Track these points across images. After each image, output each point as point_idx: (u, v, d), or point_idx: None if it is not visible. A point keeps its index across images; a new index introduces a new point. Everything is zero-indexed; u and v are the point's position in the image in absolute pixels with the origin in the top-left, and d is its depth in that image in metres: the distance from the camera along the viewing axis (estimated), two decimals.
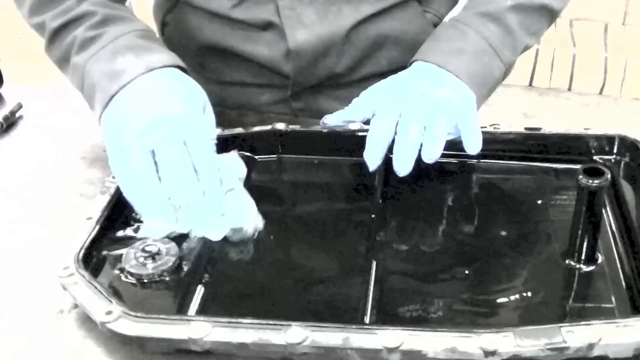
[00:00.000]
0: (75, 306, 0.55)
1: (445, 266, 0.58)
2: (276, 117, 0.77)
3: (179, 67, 0.68)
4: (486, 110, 0.76)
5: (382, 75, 0.77)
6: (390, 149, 0.65)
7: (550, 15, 0.77)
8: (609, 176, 0.54)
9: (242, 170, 0.66)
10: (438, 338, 0.47)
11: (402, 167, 0.63)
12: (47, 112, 0.83)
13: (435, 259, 0.59)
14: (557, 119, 2.28)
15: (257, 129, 0.72)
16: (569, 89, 2.42)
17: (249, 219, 0.61)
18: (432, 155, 0.63)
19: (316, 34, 0.78)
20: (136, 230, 0.61)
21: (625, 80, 2.35)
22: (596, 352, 0.46)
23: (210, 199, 0.59)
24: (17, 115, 0.82)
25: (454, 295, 0.54)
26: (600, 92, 2.39)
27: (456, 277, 0.57)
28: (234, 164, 0.66)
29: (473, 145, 0.65)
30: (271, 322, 0.48)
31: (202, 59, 0.84)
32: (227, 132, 0.72)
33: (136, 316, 0.50)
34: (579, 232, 0.56)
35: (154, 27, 0.92)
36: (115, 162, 0.61)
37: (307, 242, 0.63)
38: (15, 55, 2.72)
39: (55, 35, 0.70)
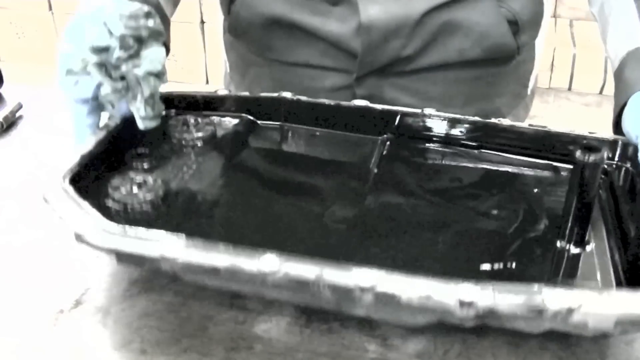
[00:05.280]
0: (75, 305, 0.55)
1: (429, 236, 0.58)
2: None
3: None
4: None
5: (450, 66, 0.75)
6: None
7: None
8: (605, 154, 0.55)
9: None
10: (414, 283, 0.45)
11: None
12: (47, 112, 0.83)
13: (421, 229, 0.59)
14: (557, 119, 2.28)
15: (263, 94, 0.73)
16: (569, 89, 2.42)
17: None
18: None
19: (389, 12, 0.77)
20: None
21: None
22: (575, 319, 0.44)
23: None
24: (17, 115, 0.82)
25: (434, 261, 0.54)
26: (600, 92, 2.39)
27: (439, 245, 0.56)
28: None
29: None
30: (246, 248, 0.47)
31: (268, 36, 0.84)
32: (233, 93, 0.73)
33: (112, 231, 0.50)
34: (572, 210, 0.56)
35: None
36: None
37: (293, 199, 0.63)
38: (16, 55, 2.72)
39: None
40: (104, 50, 0.60)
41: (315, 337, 0.52)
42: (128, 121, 0.64)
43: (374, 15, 0.77)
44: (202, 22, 2.55)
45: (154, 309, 0.55)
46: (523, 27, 0.83)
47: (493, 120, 0.68)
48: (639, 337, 0.52)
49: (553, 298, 0.44)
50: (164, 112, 0.65)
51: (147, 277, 0.58)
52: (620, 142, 0.66)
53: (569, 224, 0.56)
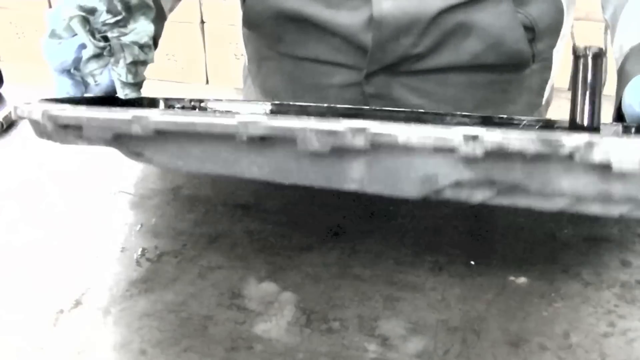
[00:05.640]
0: (75, 305, 0.55)
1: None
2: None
3: None
4: None
5: (462, 69, 0.74)
6: None
7: None
8: (603, 48, 0.56)
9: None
10: (413, 127, 0.42)
11: None
12: None
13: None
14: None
15: (249, 101, 0.74)
16: (569, 89, 2.42)
17: None
18: None
19: (402, 8, 0.77)
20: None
21: None
22: (597, 156, 0.40)
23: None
24: None
25: None
26: None
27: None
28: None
29: None
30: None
31: (279, 30, 0.84)
32: (218, 98, 0.72)
33: (79, 108, 0.49)
34: (577, 100, 0.59)
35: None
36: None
37: None
38: (15, 55, 2.72)
39: None
40: (90, 11, 0.60)
41: (315, 337, 0.52)
42: (110, 97, 0.64)
43: (387, 9, 0.76)
44: (202, 22, 2.55)
45: (154, 309, 0.55)
46: (540, 34, 0.82)
47: (489, 114, 0.69)
48: (639, 337, 0.52)
49: (569, 136, 0.41)
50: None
51: (147, 277, 0.58)
52: (621, 126, 0.67)
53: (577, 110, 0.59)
